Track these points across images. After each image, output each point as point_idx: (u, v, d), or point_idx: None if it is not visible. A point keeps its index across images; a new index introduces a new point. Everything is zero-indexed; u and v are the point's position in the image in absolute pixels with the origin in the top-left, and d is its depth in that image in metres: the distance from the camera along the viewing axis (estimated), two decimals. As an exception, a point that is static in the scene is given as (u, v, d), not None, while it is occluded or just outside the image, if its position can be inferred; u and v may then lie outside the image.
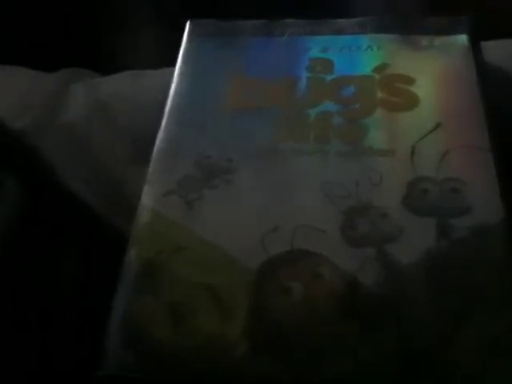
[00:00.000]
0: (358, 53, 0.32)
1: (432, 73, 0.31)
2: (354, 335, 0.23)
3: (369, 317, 0.23)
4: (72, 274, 0.32)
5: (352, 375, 0.22)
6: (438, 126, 0.28)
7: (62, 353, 0.28)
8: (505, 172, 0.27)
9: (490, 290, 0.23)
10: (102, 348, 0.23)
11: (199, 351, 0.23)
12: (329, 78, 0.31)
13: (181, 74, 0.33)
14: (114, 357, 0.23)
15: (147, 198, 0.28)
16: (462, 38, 0.32)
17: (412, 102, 0.29)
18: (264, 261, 0.25)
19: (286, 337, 0.23)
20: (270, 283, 0.24)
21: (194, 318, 0.24)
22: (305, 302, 0.24)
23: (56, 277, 0.32)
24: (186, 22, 0.35)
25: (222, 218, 0.26)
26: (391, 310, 0.23)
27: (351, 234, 0.25)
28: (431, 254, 0.24)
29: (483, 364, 0.22)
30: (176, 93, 0.32)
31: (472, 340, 0.22)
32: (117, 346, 0.23)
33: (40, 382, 0.27)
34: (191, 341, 0.23)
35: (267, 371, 0.23)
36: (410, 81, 0.30)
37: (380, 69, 0.31)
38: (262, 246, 0.25)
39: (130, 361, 0.23)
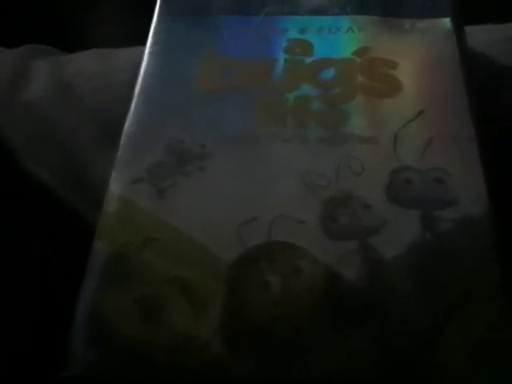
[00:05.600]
0: (338, 35, 0.31)
1: (414, 57, 0.29)
2: (336, 332, 0.22)
3: (351, 312, 0.22)
4: (36, 258, 0.30)
5: (332, 373, 0.21)
6: (420, 113, 0.27)
7: (25, 347, 0.27)
8: (490, 161, 0.26)
9: (475, 286, 0.22)
10: (66, 346, 0.22)
11: (170, 349, 0.22)
12: (307, 60, 0.30)
13: (151, 53, 0.31)
14: (79, 356, 0.22)
15: (115, 186, 0.26)
16: (445, 22, 0.31)
17: (394, 87, 0.28)
18: (240, 253, 0.24)
19: (263, 334, 0.22)
20: (246, 277, 0.23)
21: (166, 314, 0.22)
22: (283, 297, 0.22)
23: (19, 259, 0.30)
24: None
25: (196, 207, 0.25)
26: (374, 304, 0.22)
27: (332, 226, 0.24)
28: (415, 248, 0.23)
29: (468, 363, 0.21)
30: (146, 73, 0.30)
31: (457, 338, 0.21)
32: (82, 344, 0.22)
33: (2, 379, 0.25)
34: (162, 338, 0.22)
35: (243, 370, 0.21)
36: (392, 65, 0.29)
37: (361, 52, 0.30)
38: (237, 238, 0.24)
39: (96, 360, 0.21)
